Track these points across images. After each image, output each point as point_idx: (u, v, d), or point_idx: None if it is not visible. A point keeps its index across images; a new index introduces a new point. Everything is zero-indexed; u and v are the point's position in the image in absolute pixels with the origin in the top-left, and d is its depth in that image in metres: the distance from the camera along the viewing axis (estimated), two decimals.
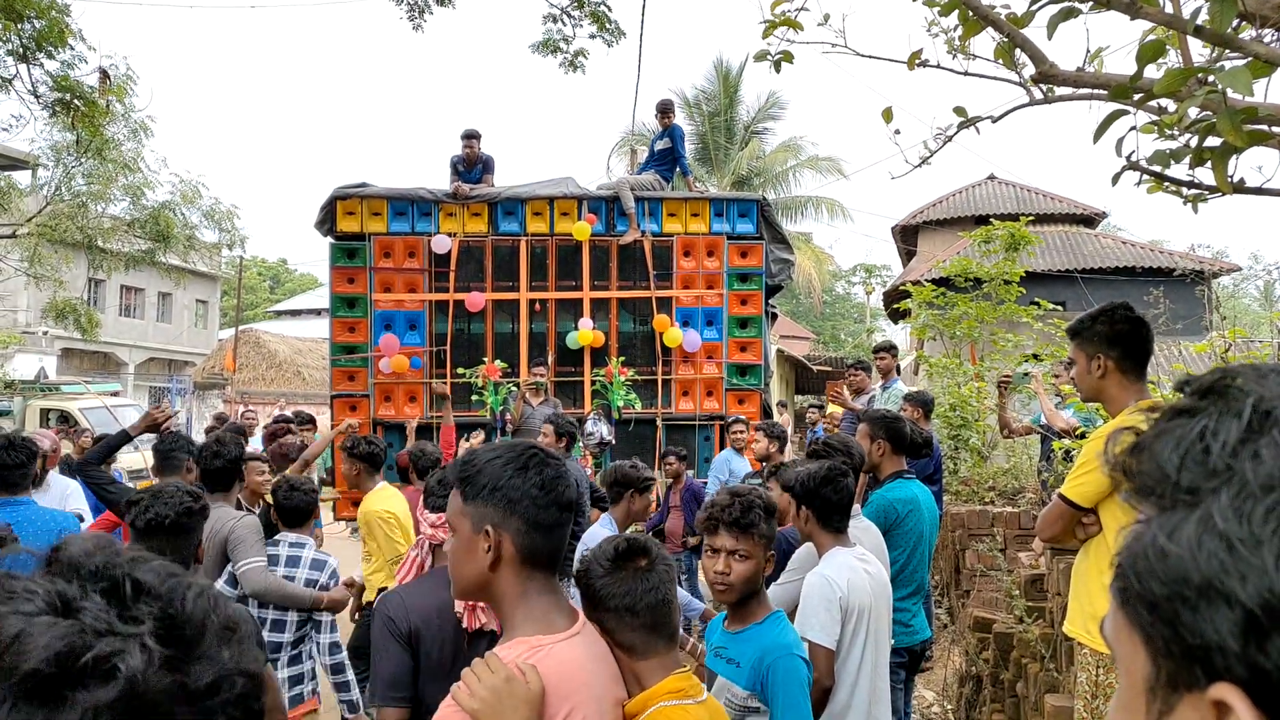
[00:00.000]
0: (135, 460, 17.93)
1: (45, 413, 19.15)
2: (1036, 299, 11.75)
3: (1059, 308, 12.23)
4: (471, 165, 10.69)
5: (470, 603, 2.75)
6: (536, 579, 1.86)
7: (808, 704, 2.71)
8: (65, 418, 18.55)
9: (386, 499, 5.88)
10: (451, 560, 1.89)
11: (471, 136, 10.68)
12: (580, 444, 9.72)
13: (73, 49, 9.55)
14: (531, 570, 1.85)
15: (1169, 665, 0.65)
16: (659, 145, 11.07)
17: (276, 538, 4.88)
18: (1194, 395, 0.71)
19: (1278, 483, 0.61)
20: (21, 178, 23.65)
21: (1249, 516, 0.61)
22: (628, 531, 5.44)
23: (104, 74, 10.39)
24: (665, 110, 11.14)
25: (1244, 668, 0.60)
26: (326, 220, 10.48)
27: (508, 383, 10.10)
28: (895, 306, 17.93)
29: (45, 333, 27.25)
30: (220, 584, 4.63)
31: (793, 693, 2.69)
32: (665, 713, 1.93)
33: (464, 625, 2.77)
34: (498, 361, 10.22)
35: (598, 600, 2.04)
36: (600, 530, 5.29)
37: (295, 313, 47.05)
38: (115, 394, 23.84)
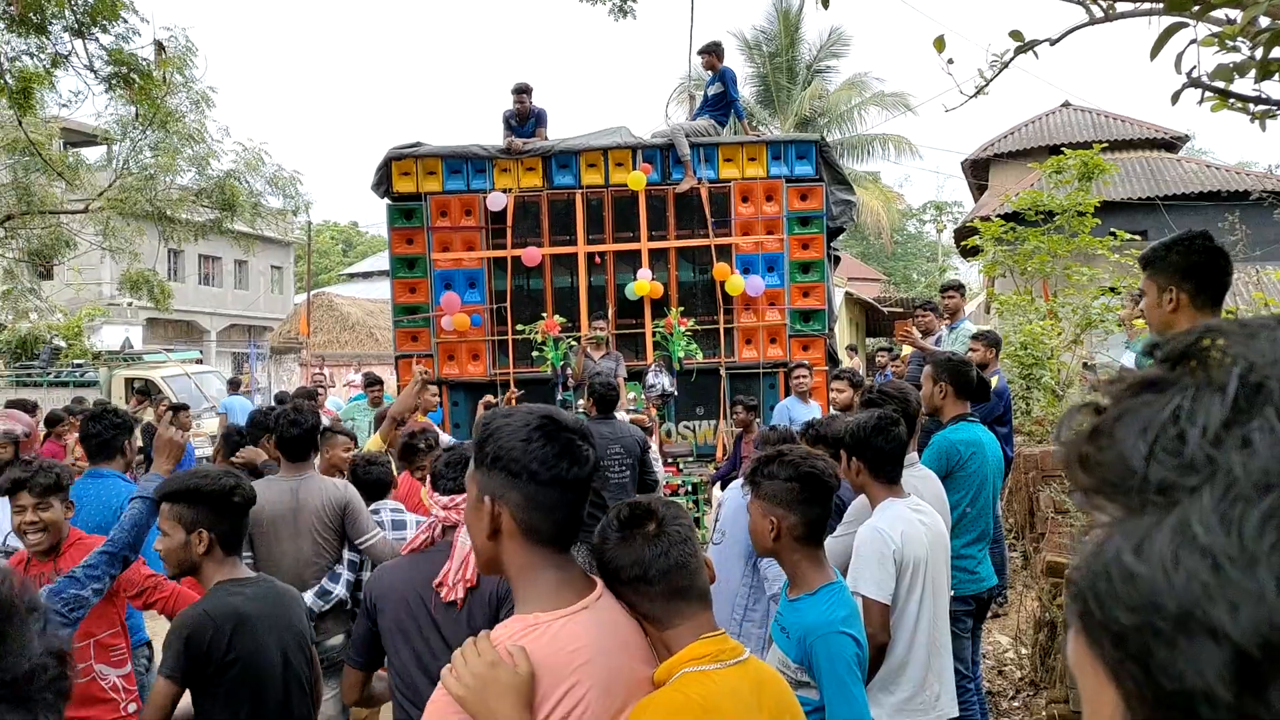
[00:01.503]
0: (215, 426, 18.42)
1: (130, 382, 19.73)
2: (1114, 229, 11.33)
3: (1137, 238, 11.75)
4: (524, 120, 10.59)
5: (464, 579, 2.90)
6: (541, 553, 1.78)
7: (855, 680, 2.58)
8: (148, 387, 19.09)
9: None
10: (466, 525, 1.86)
11: (522, 91, 10.57)
12: (643, 397, 9.68)
13: (125, 22, 9.63)
14: (534, 544, 1.77)
15: (1144, 711, 0.51)
16: (711, 90, 10.84)
17: (375, 506, 4.92)
18: (1165, 363, 0.56)
19: (1276, 480, 0.48)
20: (89, 153, 24.23)
21: (1239, 525, 0.48)
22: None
23: (159, 46, 10.48)
24: (711, 53, 10.85)
25: None
26: (383, 182, 10.51)
27: (568, 337, 10.06)
28: (965, 244, 17.49)
29: (130, 304, 28.00)
30: (344, 571, 4.67)
31: (838, 672, 2.57)
32: (688, 679, 1.83)
33: (444, 598, 2.90)
34: (557, 316, 10.18)
35: (610, 573, 1.94)
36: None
37: (367, 275, 47.66)
38: (198, 361, 24.51)
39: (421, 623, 2.93)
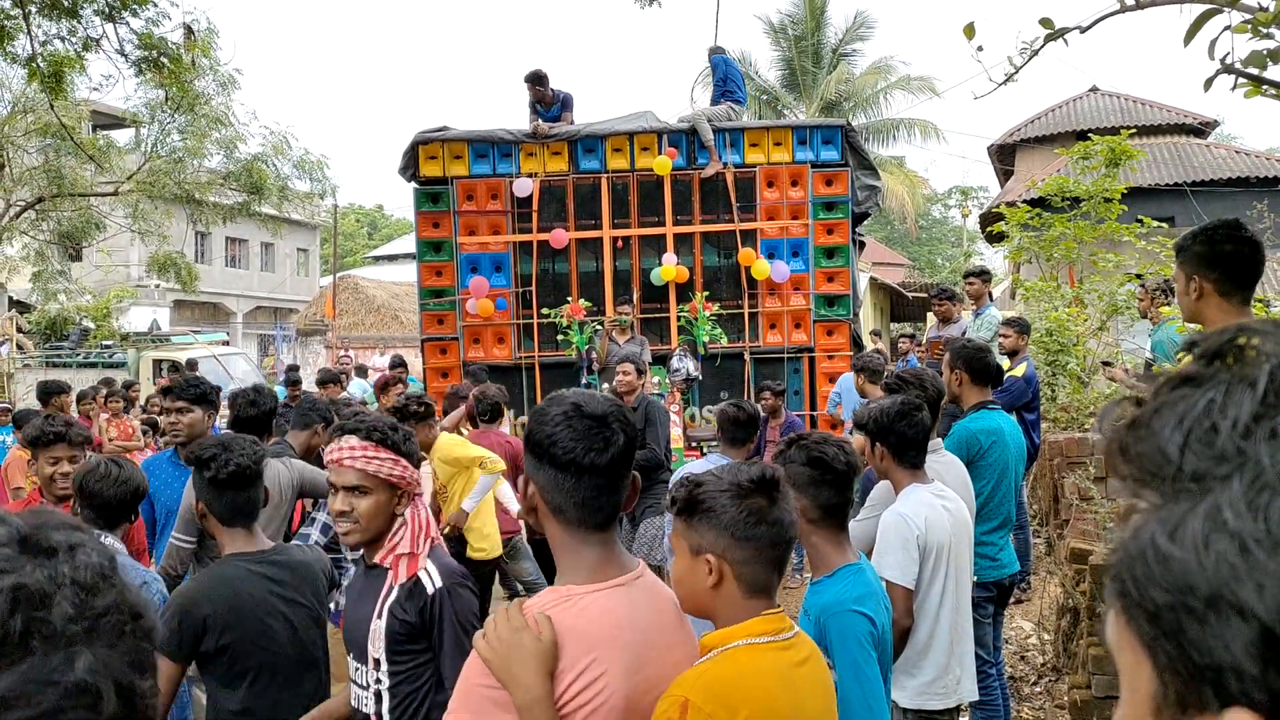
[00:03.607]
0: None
1: (158, 363, 19.94)
2: (1141, 216, 11.25)
3: (1165, 224, 11.64)
4: (548, 105, 10.60)
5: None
6: (575, 531, 1.84)
7: (867, 659, 2.61)
8: (176, 368, 19.28)
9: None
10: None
11: (536, 81, 10.51)
12: (667, 381, 9.72)
13: (155, 6, 9.71)
14: (565, 523, 1.84)
15: (1176, 684, 0.55)
16: (715, 79, 10.99)
17: None
18: (1202, 359, 0.60)
19: None
20: (118, 136, 24.43)
21: (1265, 511, 0.52)
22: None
23: (188, 30, 10.56)
24: (709, 54, 11.22)
25: (1262, 692, 0.50)
26: (410, 166, 10.56)
27: (593, 321, 10.10)
28: (990, 229, 17.40)
29: (157, 285, 28.24)
30: (315, 533, 4.74)
31: (849, 649, 2.60)
32: (740, 652, 1.87)
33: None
34: (582, 300, 10.23)
35: (728, 529, 1.93)
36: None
37: (392, 258, 47.84)
38: (225, 343, 24.70)
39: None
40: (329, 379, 10.97)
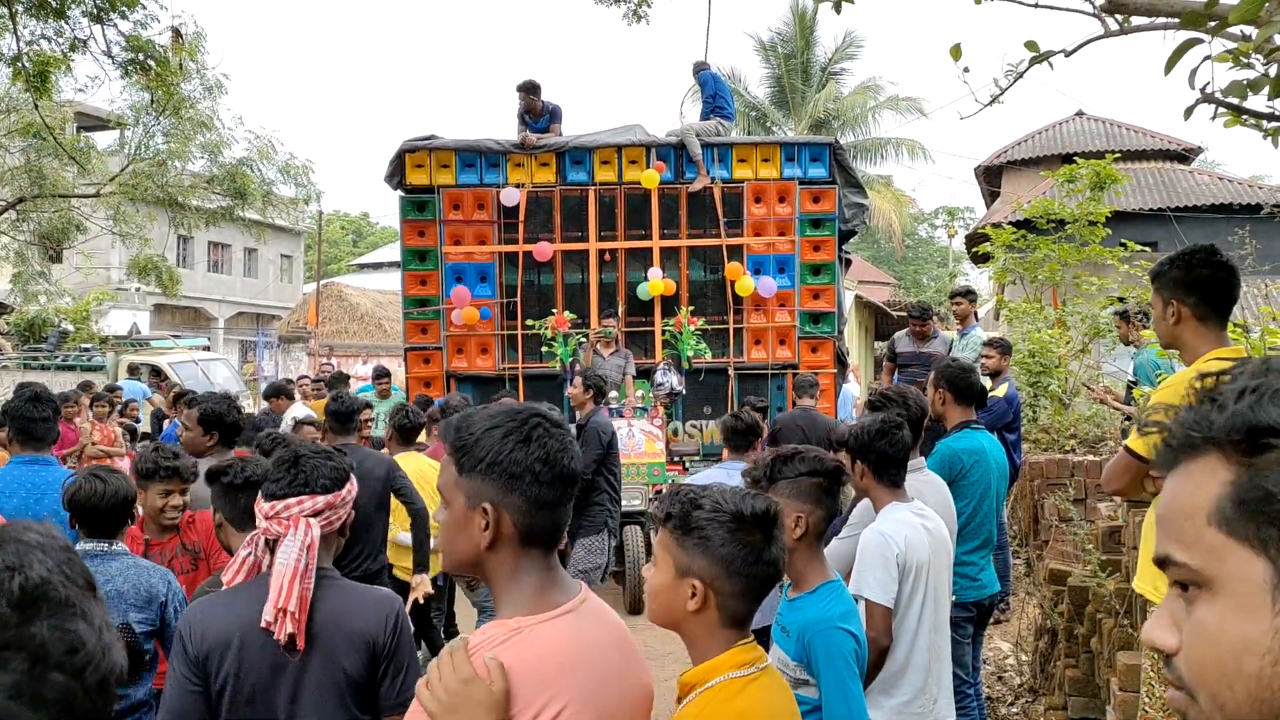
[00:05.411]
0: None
1: (135, 367, 19.77)
2: (1124, 240, 11.33)
3: (1147, 249, 11.74)
4: (537, 116, 10.60)
5: (282, 609, 2.39)
6: (532, 555, 1.72)
7: (852, 676, 2.60)
8: (156, 372, 19.13)
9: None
10: (444, 535, 1.76)
11: (530, 90, 10.52)
12: (651, 395, 9.72)
13: (144, 8, 9.68)
14: (528, 548, 1.71)
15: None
16: (705, 95, 11.02)
17: None
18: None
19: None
20: (102, 138, 24.32)
21: None
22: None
23: (176, 33, 10.52)
24: (694, 72, 11.41)
25: None
26: (396, 174, 10.54)
27: (577, 334, 10.09)
28: (976, 250, 17.49)
29: (138, 289, 28.07)
30: None
31: (836, 667, 2.59)
32: (730, 686, 1.82)
33: (275, 636, 2.40)
34: (567, 313, 10.21)
35: (723, 562, 1.89)
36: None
37: (377, 265, 47.62)
38: (205, 349, 24.54)
39: (274, 665, 2.44)
40: (275, 393, 10.86)
